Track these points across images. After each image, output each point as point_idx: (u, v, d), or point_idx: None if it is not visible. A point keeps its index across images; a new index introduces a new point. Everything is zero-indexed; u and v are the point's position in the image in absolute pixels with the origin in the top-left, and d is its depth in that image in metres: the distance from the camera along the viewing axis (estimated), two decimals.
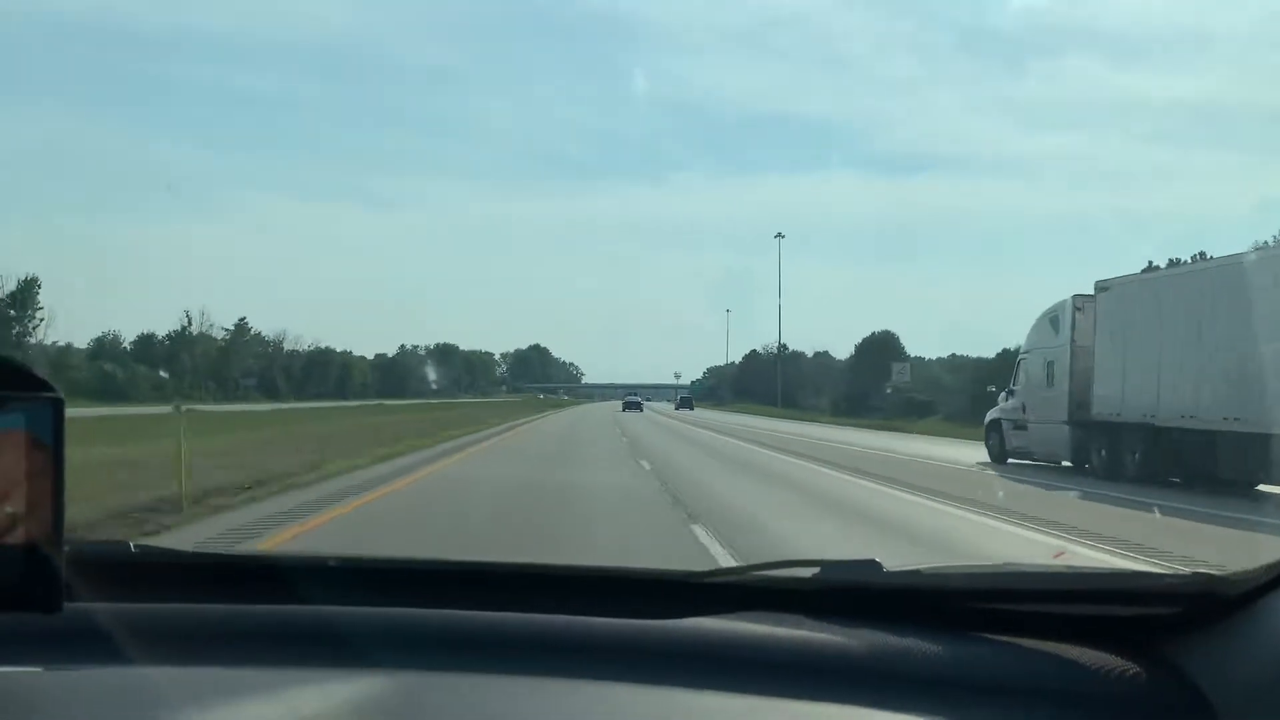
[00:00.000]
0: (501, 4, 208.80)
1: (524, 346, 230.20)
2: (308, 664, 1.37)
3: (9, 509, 0.91)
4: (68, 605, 0.91)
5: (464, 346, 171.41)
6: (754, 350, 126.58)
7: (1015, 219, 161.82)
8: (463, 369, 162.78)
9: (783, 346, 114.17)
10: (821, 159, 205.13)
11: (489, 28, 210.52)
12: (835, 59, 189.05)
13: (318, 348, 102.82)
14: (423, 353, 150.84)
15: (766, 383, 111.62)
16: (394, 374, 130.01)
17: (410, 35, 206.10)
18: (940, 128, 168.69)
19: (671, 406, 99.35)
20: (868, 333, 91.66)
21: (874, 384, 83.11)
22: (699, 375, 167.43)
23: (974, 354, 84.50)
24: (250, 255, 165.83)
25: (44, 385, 0.93)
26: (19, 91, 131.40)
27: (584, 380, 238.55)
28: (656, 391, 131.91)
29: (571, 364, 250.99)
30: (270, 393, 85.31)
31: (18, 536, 0.91)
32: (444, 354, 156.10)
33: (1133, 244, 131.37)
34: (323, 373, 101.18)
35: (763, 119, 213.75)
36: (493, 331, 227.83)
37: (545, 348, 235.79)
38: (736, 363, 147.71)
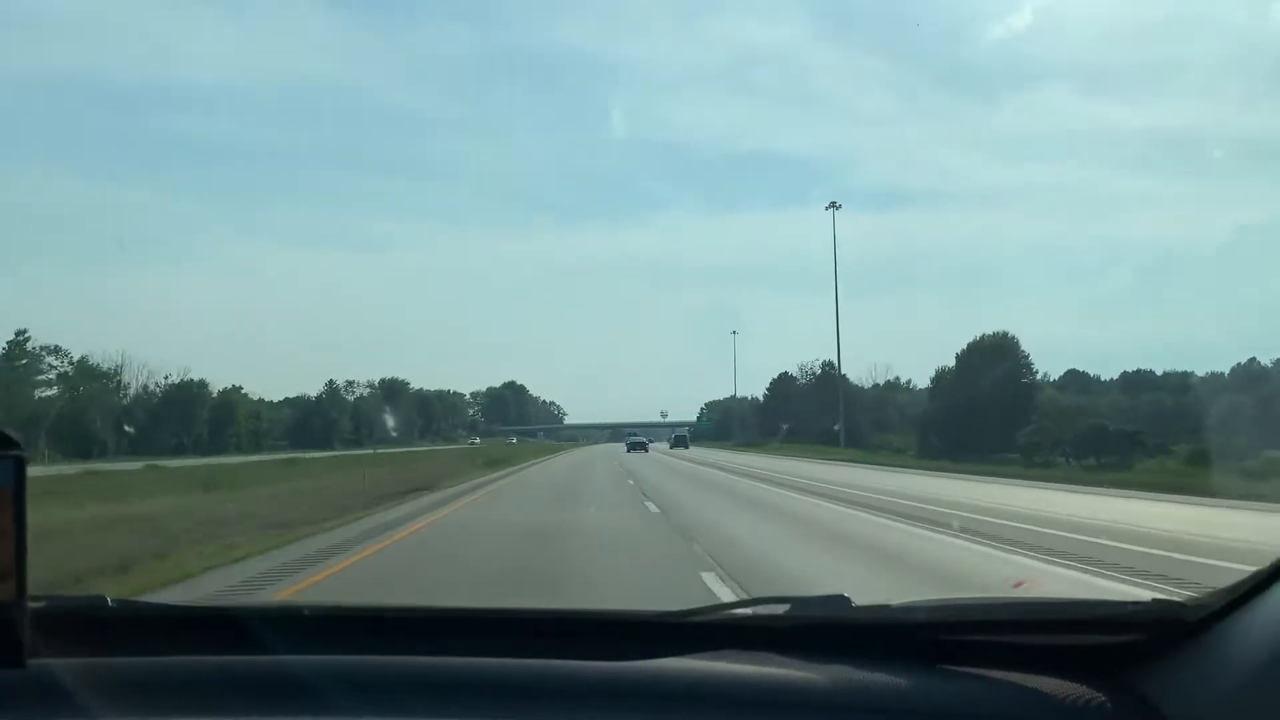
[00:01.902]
0: (478, 47, 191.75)
1: (497, 385, 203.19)
2: (277, 714, 1.39)
3: None
4: (39, 661, 0.95)
5: (430, 387, 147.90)
6: (785, 373, 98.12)
7: (994, 249, 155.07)
8: (415, 409, 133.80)
9: (828, 366, 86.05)
10: (802, 194, 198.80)
11: (465, 71, 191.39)
12: (813, 95, 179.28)
13: (182, 381, 73.01)
14: (364, 393, 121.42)
15: (806, 414, 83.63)
16: (317, 417, 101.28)
17: (386, 81, 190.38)
18: (918, 161, 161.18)
19: (671, 447, 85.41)
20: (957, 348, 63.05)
21: (995, 408, 55.30)
22: (687, 414, 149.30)
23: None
24: (206, 300, 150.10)
25: (6, 442, 0.91)
26: None
27: (566, 420, 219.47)
28: (646, 431, 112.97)
29: (552, 403, 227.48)
30: (79, 447, 55.60)
31: None
32: (391, 392, 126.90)
33: (1111, 271, 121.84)
34: (184, 416, 71.41)
35: (743, 156, 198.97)
36: (471, 374, 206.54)
37: (522, 385, 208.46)
38: (740, 396, 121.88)
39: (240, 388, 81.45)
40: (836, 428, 74.86)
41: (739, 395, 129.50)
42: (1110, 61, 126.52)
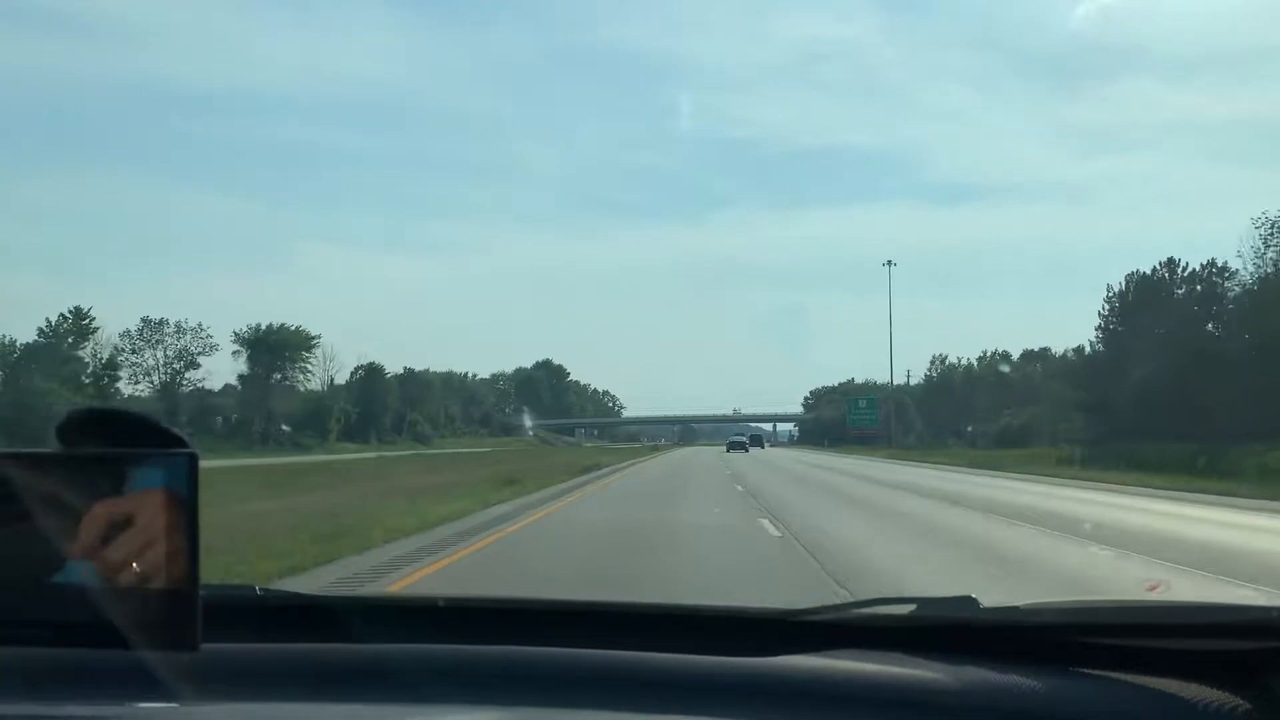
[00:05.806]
0: (543, 47, 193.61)
1: (527, 366, 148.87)
2: (424, 700, 1.45)
3: (152, 556, 0.97)
4: (206, 646, 0.99)
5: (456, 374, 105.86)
6: (1141, 274, 40.24)
7: (1075, 244, 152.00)
8: (351, 397, 79.68)
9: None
10: (872, 190, 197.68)
11: (530, 72, 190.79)
12: (883, 89, 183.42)
13: None
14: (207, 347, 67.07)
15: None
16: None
17: (454, 83, 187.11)
18: (993, 155, 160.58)
19: (786, 449, 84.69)
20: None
21: None
22: (757, 408, 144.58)
23: None
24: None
25: (180, 441, 1.00)
26: (77, 153, 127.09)
27: (623, 413, 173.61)
28: (718, 430, 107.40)
29: (606, 393, 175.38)
30: None
31: (160, 581, 0.97)
32: (264, 354, 72.14)
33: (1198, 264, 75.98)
34: None
35: (810, 152, 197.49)
36: (519, 363, 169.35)
37: (559, 365, 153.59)
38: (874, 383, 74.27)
39: None
40: None
41: (869, 381, 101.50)
42: (1196, 49, 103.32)
